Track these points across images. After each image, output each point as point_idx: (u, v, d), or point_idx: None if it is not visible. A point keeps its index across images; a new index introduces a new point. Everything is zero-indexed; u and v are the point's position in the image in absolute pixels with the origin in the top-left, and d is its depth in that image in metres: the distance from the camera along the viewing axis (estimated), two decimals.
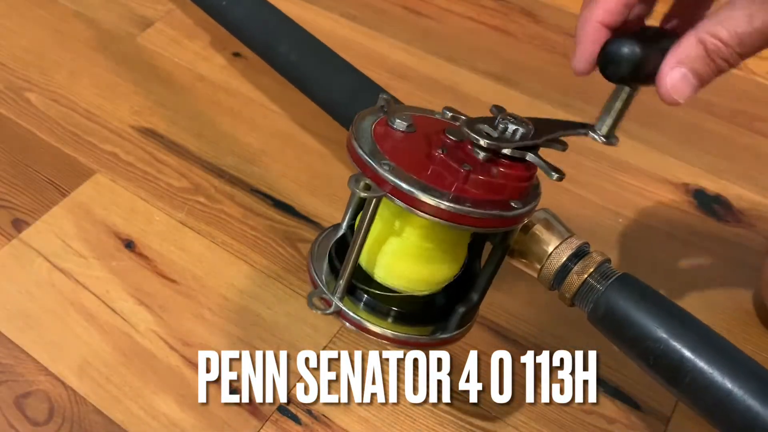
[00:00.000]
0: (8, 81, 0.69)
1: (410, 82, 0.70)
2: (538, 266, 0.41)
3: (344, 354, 0.50)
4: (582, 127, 0.40)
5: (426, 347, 0.42)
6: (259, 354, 0.50)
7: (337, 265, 0.42)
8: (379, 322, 0.40)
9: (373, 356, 0.50)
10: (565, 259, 0.41)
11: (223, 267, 0.55)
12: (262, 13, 0.61)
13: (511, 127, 0.38)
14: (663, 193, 0.61)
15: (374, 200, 0.37)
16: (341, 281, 0.39)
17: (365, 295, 0.41)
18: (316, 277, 0.41)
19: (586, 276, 0.40)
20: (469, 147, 0.37)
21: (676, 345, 0.38)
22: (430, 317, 0.42)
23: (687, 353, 0.37)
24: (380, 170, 0.36)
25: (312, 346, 0.51)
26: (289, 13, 0.60)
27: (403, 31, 0.75)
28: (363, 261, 0.40)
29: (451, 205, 0.35)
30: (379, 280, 0.41)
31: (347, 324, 0.40)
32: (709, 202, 0.60)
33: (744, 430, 0.36)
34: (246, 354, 0.50)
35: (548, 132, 0.39)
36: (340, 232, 0.44)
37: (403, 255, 0.40)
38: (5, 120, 0.65)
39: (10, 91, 0.68)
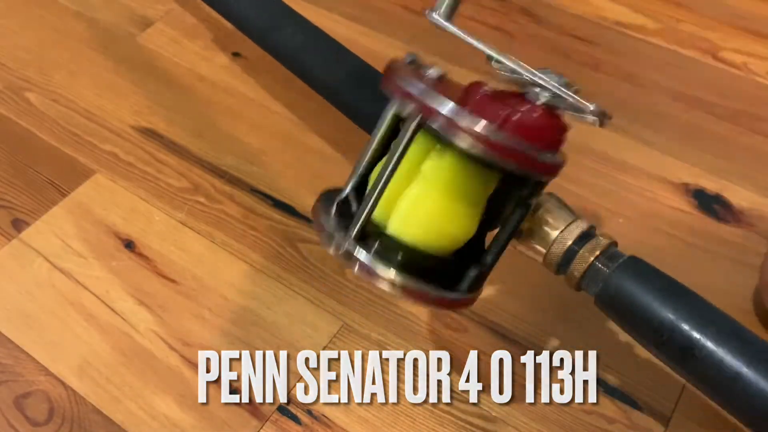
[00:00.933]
0: (8, 81, 0.69)
1: None
2: (544, 250, 0.41)
3: (344, 354, 0.50)
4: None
5: (435, 304, 0.40)
6: (259, 354, 0.50)
7: (344, 221, 0.39)
8: (389, 271, 0.37)
9: (373, 356, 0.50)
10: (571, 242, 0.40)
11: (223, 267, 0.55)
12: (263, 2, 0.60)
13: (556, 78, 0.37)
14: (663, 193, 0.61)
15: (415, 122, 0.36)
16: (359, 220, 0.37)
17: (377, 244, 0.38)
18: (325, 221, 0.39)
19: (592, 259, 0.40)
20: (511, 93, 0.37)
21: (685, 326, 0.37)
22: (440, 279, 0.39)
23: (695, 334, 0.37)
24: (424, 95, 0.35)
25: (312, 346, 0.51)
26: None
27: (403, 31, 0.75)
28: (377, 211, 0.38)
29: (496, 133, 0.34)
30: (392, 232, 0.39)
31: (357, 269, 0.38)
32: (709, 202, 0.60)
33: (752, 409, 0.36)
34: (246, 354, 0.50)
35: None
36: (342, 194, 0.42)
37: (425, 200, 0.38)
38: (5, 120, 0.65)
39: (10, 90, 0.68)
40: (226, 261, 0.56)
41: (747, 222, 0.59)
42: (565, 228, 0.40)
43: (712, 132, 0.66)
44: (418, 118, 0.36)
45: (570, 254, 0.40)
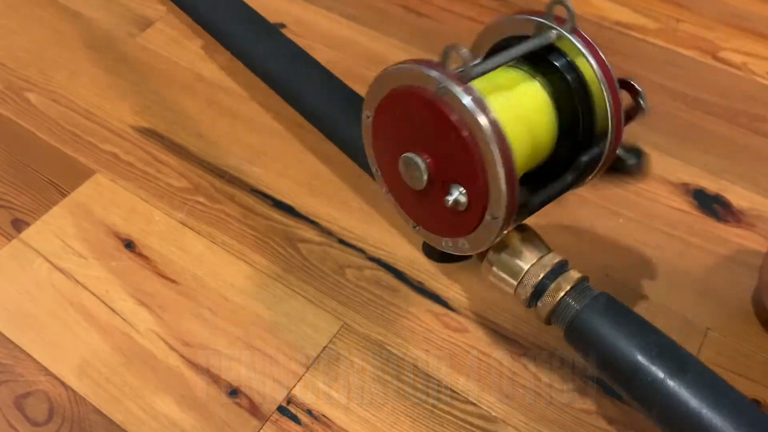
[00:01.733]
0: (8, 81, 0.69)
1: None
2: (515, 283, 0.40)
3: (344, 354, 0.51)
4: None
5: None
6: (259, 354, 0.50)
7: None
8: None
9: (373, 356, 0.51)
10: (542, 275, 0.40)
11: (223, 267, 0.55)
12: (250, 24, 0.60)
13: None
14: (663, 193, 0.61)
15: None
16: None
17: None
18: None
19: (562, 294, 0.39)
20: None
21: (651, 368, 0.37)
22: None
23: (659, 376, 0.37)
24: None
25: (312, 346, 0.51)
26: (289, 13, 0.60)
27: (403, 31, 0.75)
28: None
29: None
30: None
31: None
32: (709, 202, 0.60)
33: None
34: (246, 354, 0.50)
35: None
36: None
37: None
38: (5, 120, 0.65)
39: (10, 91, 0.68)
40: (226, 261, 0.56)
41: (747, 222, 0.59)
42: (537, 261, 0.40)
43: (712, 132, 0.66)
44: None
45: (541, 288, 0.40)
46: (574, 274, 0.40)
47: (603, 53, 0.37)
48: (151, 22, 0.75)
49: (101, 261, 0.55)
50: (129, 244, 0.56)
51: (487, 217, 0.36)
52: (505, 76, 0.38)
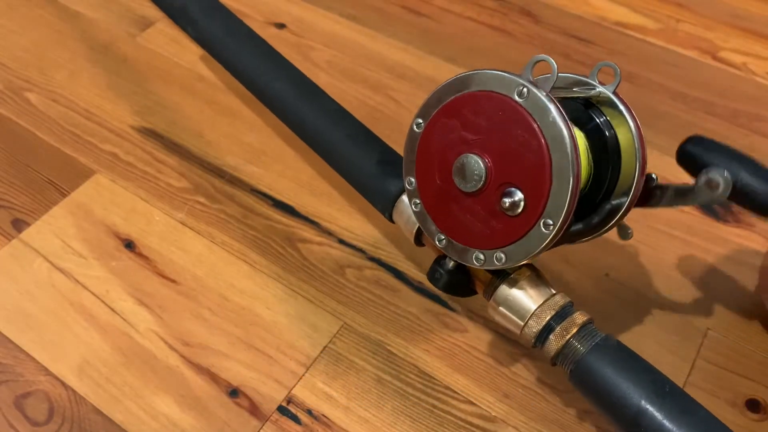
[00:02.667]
0: (8, 81, 0.69)
1: (410, 82, 0.70)
2: (521, 323, 0.41)
3: (344, 354, 0.51)
4: None
5: None
6: (259, 354, 0.50)
7: None
8: None
9: (373, 356, 0.51)
10: (549, 318, 0.40)
11: (223, 267, 0.55)
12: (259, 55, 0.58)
13: None
14: None
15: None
16: None
17: None
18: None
19: (568, 337, 0.40)
20: None
21: (657, 415, 0.37)
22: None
23: (667, 424, 0.37)
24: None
25: (312, 346, 0.51)
26: (289, 13, 0.60)
27: (403, 31, 0.75)
28: None
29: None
30: None
31: None
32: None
33: None
34: (246, 354, 0.50)
35: None
36: None
37: None
38: (5, 120, 0.65)
39: (10, 91, 0.68)
40: (226, 261, 0.56)
41: (747, 222, 0.59)
42: (544, 303, 0.41)
43: (712, 132, 0.66)
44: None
45: (547, 330, 0.41)
46: (580, 317, 0.41)
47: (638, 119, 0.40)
48: (151, 22, 0.75)
49: (101, 261, 0.55)
50: (129, 244, 0.56)
51: (541, 224, 0.37)
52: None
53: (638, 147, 0.40)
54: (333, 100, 0.53)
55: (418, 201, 0.42)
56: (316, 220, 0.58)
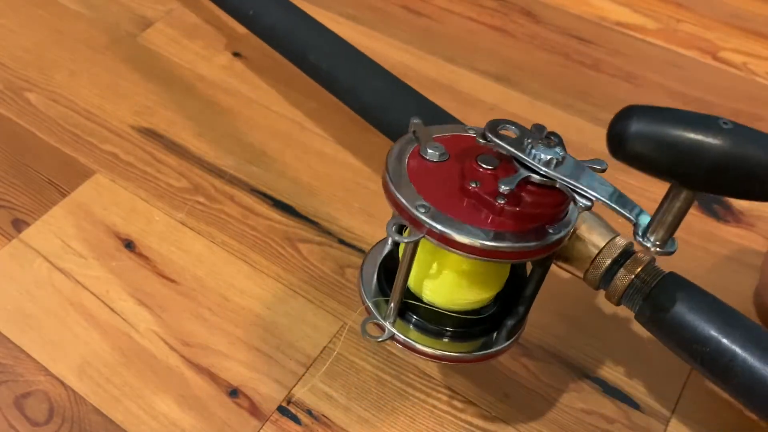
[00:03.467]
0: (8, 81, 0.69)
1: (410, 82, 0.70)
2: (585, 268, 0.41)
3: (344, 354, 0.51)
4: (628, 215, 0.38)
5: (476, 362, 0.42)
6: (259, 354, 0.50)
7: (386, 288, 0.43)
8: (431, 342, 0.41)
9: (373, 356, 0.51)
10: (610, 260, 0.41)
11: (223, 267, 0.55)
12: (292, 21, 0.60)
13: (543, 154, 0.37)
14: (663, 194, 0.61)
15: (412, 244, 0.38)
16: (391, 306, 0.41)
17: (414, 317, 0.42)
18: (369, 304, 0.42)
19: (633, 276, 0.41)
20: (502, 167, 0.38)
21: (725, 343, 0.38)
22: (479, 331, 0.42)
23: (737, 350, 0.38)
24: (417, 213, 0.36)
25: (312, 346, 0.51)
26: None
27: (403, 31, 0.75)
28: (411, 284, 0.41)
29: (487, 243, 0.36)
30: (427, 301, 0.42)
31: (399, 346, 0.41)
32: (709, 202, 0.60)
33: None
34: (246, 354, 0.50)
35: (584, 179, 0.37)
36: (387, 249, 0.44)
37: (447, 281, 0.40)
38: (5, 120, 0.65)
39: (10, 91, 0.68)
40: (226, 261, 0.56)
41: (747, 222, 0.59)
42: (605, 245, 0.41)
43: None
44: (414, 241, 0.37)
45: (610, 272, 0.41)
46: (643, 257, 0.41)
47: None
48: (151, 22, 0.75)
49: (101, 261, 0.55)
50: (129, 244, 0.56)
51: None
52: None
53: None
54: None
55: None
56: (316, 220, 0.58)
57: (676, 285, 0.40)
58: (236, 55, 0.72)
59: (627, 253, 0.41)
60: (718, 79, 0.71)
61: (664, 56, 0.74)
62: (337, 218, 0.59)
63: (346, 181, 0.61)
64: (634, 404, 0.49)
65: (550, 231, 0.37)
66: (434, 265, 0.40)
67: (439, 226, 0.36)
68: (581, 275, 0.42)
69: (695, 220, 0.59)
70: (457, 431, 0.47)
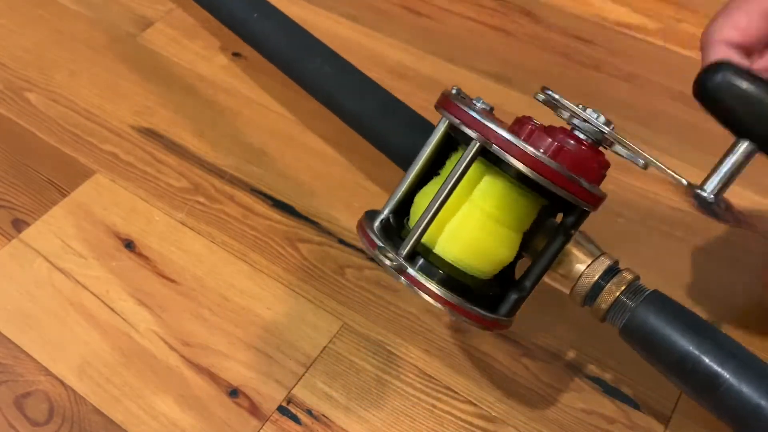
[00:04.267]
0: (8, 81, 0.69)
1: (410, 82, 0.70)
2: (571, 284, 0.42)
3: (344, 354, 0.51)
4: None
5: (476, 321, 0.41)
6: (259, 354, 0.50)
7: (387, 238, 0.42)
8: (437, 287, 0.39)
9: (373, 356, 0.51)
10: (597, 277, 0.42)
11: (223, 267, 0.55)
12: (288, 31, 0.59)
13: (601, 117, 0.39)
14: (663, 193, 0.61)
15: (477, 145, 0.38)
16: (411, 239, 0.39)
17: (422, 260, 0.41)
18: (374, 237, 0.41)
19: (618, 294, 0.41)
20: (559, 129, 0.39)
21: (706, 359, 0.39)
22: (480, 300, 0.41)
23: (717, 367, 0.38)
24: (485, 120, 0.37)
25: (312, 346, 0.51)
26: (289, 13, 0.60)
27: (403, 31, 0.75)
28: (425, 236, 0.41)
29: (551, 160, 0.37)
30: (437, 252, 0.41)
31: (404, 281, 0.39)
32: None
33: None
34: (246, 354, 0.50)
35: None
36: (382, 215, 0.43)
37: (473, 224, 0.40)
38: (5, 120, 0.65)
39: (10, 91, 0.68)
40: (226, 261, 0.56)
41: (747, 222, 0.59)
42: (592, 262, 0.42)
43: (712, 132, 0.66)
44: (480, 142, 0.38)
45: (596, 288, 0.42)
46: (628, 275, 0.42)
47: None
48: (151, 22, 0.75)
49: (101, 261, 0.55)
50: (129, 244, 0.56)
51: None
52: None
53: None
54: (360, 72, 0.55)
55: None
56: (316, 220, 0.58)
57: (659, 303, 0.41)
58: (236, 55, 0.72)
59: (612, 271, 0.42)
60: None
61: (664, 56, 0.74)
62: (337, 218, 0.59)
63: (346, 181, 0.61)
64: (634, 404, 0.49)
65: (596, 187, 0.39)
66: (465, 205, 0.40)
67: (506, 133, 0.37)
68: (567, 291, 0.43)
69: (695, 220, 0.59)
70: (457, 431, 0.47)
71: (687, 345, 0.39)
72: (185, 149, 0.63)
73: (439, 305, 0.39)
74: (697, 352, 0.39)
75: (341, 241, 0.57)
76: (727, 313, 0.53)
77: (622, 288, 0.41)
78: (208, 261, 0.55)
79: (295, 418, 0.47)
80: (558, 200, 0.40)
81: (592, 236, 0.44)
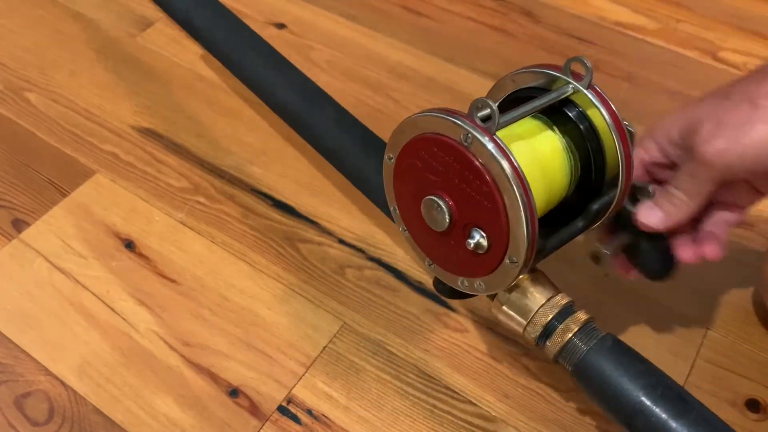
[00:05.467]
0: (8, 81, 0.69)
1: (410, 81, 0.70)
2: (524, 322, 0.41)
3: (344, 354, 0.51)
4: None
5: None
6: (259, 354, 0.50)
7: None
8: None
9: (373, 356, 0.51)
10: (550, 318, 0.41)
11: (223, 267, 0.55)
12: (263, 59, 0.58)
13: None
14: None
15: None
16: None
17: None
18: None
19: (570, 335, 0.41)
20: None
21: (654, 410, 0.38)
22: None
23: (663, 418, 0.38)
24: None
25: (312, 346, 0.51)
26: (289, 13, 0.60)
27: (403, 31, 0.75)
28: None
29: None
30: None
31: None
32: None
33: None
34: (246, 354, 0.50)
35: None
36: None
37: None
38: (5, 120, 0.65)
39: (10, 91, 0.68)
40: (226, 261, 0.56)
41: (747, 222, 0.59)
42: (546, 302, 0.41)
43: None
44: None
45: (549, 329, 0.41)
46: (582, 316, 0.41)
47: (616, 107, 0.40)
48: (151, 22, 0.75)
49: (101, 261, 0.55)
50: (129, 244, 0.56)
51: (506, 260, 0.37)
52: (526, 125, 0.40)
53: (617, 135, 0.39)
54: (336, 104, 0.53)
55: (404, 228, 0.43)
56: (316, 220, 0.58)
57: (610, 347, 0.40)
58: None
59: (566, 312, 0.41)
60: (718, 79, 0.71)
61: (664, 56, 0.74)
62: (337, 218, 0.59)
63: (346, 182, 0.61)
64: None
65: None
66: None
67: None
68: (521, 330, 0.42)
69: None
70: (457, 431, 0.47)
71: (634, 394, 0.39)
72: (185, 149, 0.63)
73: None
74: (643, 402, 0.38)
75: (341, 241, 0.57)
76: (727, 313, 0.53)
77: (574, 330, 0.41)
78: (208, 261, 0.55)
79: (295, 418, 0.47)
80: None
81: (589, 240, 0.44)
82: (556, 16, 0.78)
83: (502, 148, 0.35)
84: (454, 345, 0.51)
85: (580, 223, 0.41)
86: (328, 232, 0.58)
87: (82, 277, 0.54)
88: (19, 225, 0.57)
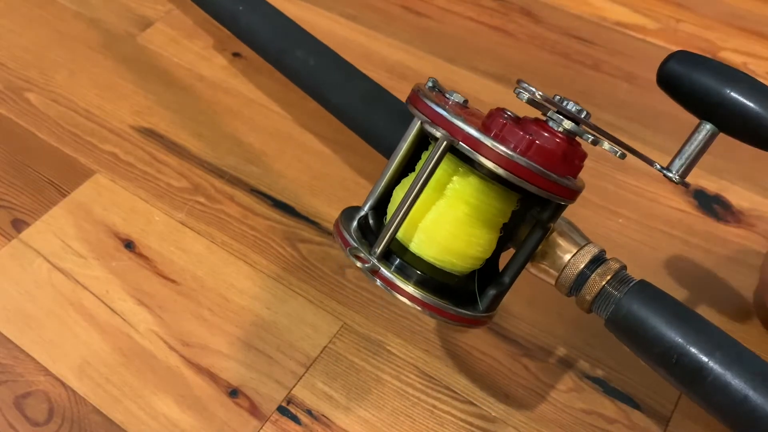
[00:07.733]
0: (8, 81, 0.69)
1: (410, 82, 0.70)
2: (556, 273, 0.42)
3: (344, 354, 0.51)
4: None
5: (454, 320, 0.40)
6: (259, 354, 0.50)
7: (363, 237, 0.41)
8: (413, 287, 0.39)
9: (373, 356, 0.51)
10: (583, 266, 0.41)
11: (223, 267, 0.55)
12: (274, 23, 0.59)
13: (575, 107, 0.38)
14: (663, 193, 0.61)
15: (444, 144, 0.37)
16: (384, 238, 0.38)
17: (398, 260, 0.40)
18: (349, 237, 0.40)
19: (603, 283, 0.41)
20: (532, 121, 0.38)
21: (693, 350, 0.38)
22: (458, 297, 0.41)
23: (704, 358, 0.38)
24: (453, 118, 0.37)
25: (312, 346, 0.51)
26: (288, 13, 0.60)
27: (403, 31, 0.75)
28: (400, 233, 0.40)
29: (521, 157, 0.36)
30: (414, 251, 0.40)
31: (380, 282, 0.39)
32: (709, 202, 0.60)
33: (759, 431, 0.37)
34: (246, 354, 0.50)
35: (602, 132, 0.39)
36: (362, 212, 0.43)
37: (447, 221, 0.39)
38: (5, 120, 0.65)
39: (10, 91, 0.68)
40: (226, 261, 0.56)
41: (747, 222, 0.59)
42: (577, 252, 0.41)
43: None
44: (446, 141, 0.37)
45: (582, 278, 0.41)
46: (614, 264, 0.41)
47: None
48: (151, 22, 0.75)
49: (101, 261, 0.55)
50: (129, 244, 0.56)
51: None
52: None
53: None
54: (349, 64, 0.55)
55: None
56: (316, 220, 0.58)
57: (645, 293, 0.40)
58: (236, 55, 0.72)
59: (598, 260, 0.41)
60: None
61: (664, 56, 0.73)
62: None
63: (346, 181, 0.61)
64: (634, 404, 0.49)
65: (570, 179, 0.38)
66: (439, 202, 0.39)
67: (474, 132, 0.36)
68: (553, 282, 0.42)
69: (695, 220, 0.59)
70: (457, 431, 0.47)
71: (673, 336, 0.38)
72: (185, 149, 0.63)
73: (416, 307, 0.38)
74: (683, 343, 0.38)
75: None
76: (728, 313, 0.53)
77: (608, 278, 0.40)
78: (208, 261, 0.55)
79: (295, 419, 0.47)
80: (533, 194, 0.39)
81: (591, 235, 0.44)
82: (556, 16, 0.78)
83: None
84: (454, 345, 0.51)
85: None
86: (328, 232, 0.58)
87: (81, 277, 0.54)
88: (18, 225, 0.57)
